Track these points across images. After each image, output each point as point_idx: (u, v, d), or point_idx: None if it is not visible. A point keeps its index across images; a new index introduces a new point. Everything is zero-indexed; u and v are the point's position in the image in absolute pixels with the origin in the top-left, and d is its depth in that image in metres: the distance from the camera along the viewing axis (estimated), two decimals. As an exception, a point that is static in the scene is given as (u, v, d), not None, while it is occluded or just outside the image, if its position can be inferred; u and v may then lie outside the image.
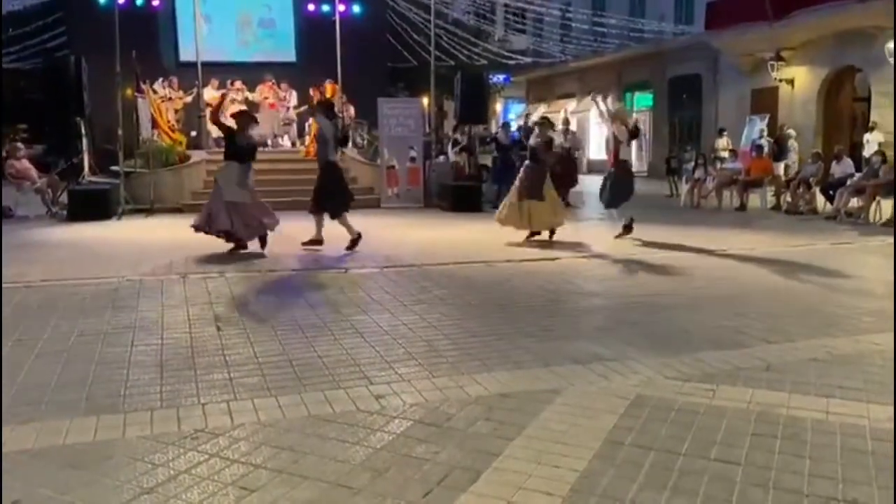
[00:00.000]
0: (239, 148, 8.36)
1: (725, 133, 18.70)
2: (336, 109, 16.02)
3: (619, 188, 9.71)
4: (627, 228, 9.70)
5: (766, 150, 15.78)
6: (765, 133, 17.98)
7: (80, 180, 13.50)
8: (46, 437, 3.27)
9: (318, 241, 8.76)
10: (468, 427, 3.40)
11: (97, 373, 4.19)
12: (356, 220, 9.03)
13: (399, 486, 2.83)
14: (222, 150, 15.82)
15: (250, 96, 16.97)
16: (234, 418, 3.50)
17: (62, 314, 5.60)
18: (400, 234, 10.52)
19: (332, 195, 8.65)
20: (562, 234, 9.61)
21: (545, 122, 10.26)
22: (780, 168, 15.76)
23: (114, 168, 13.93)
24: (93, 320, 5.41)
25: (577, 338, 4.95)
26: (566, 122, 16.22)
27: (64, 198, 12.87)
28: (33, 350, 4.61)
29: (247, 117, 8.83)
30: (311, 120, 16.10)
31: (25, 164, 13.17)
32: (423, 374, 4.17)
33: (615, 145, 9.73)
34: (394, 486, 2.84)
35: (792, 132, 17.42)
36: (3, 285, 6.43)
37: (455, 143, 16.46)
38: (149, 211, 12.80)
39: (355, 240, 8.66)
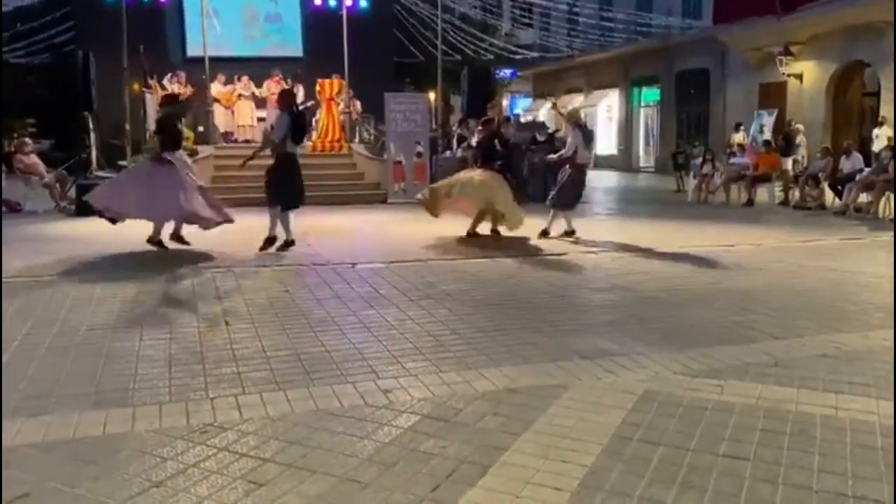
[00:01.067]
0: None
1: (742, 128, 18.59)
2: (344, 104, 16.11)
3: (575, 189, 9.42)
4: (570, 233, 9.38)
5: (772, 144, 15.71)
6: (765, 128, 17.89)
7: (87, 175, 13.55)
8: (56, 431, 3.29)
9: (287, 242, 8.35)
10: (476, 422, 3.40)
11: (106, 367, 4.21)
12: (363, 215, 9.03)
13: (407, 481, 2.84)
14: (230, 144, 16.00)
15: (257, 92, 17.00)
16: (243, 412, 3.51)
17: (71, 309, 5.62)
18: (407, 230, 10.51)
19: (281, 189, 8.24)
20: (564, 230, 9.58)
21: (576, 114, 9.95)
22: (788, 163, 15.70)
23: (121, 163, 13.98)
24: (101, 315, 5.43)
25: (584, 333, 4.94)
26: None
27: (72, 192, 12.91)
28: (42, 344, 4.63)
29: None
30: (317, 114, 16.15)
31: (34, 158, 13.22)
32: (430, 368, 4.17)
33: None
34: (402, 480, 2.84)
35: (800, 127, 17.34)
36: (13, 280, 6.47)
37: (461, 138, 16.42)
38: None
39: (274, 240, 8.24)
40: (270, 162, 8.45)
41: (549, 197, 9.51)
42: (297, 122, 8.32)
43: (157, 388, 3.86)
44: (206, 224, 8.25)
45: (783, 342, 4.70)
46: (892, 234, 9.82)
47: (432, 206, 9.59)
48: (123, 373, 4.10)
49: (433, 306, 5.69)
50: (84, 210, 11.88)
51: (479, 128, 10.32)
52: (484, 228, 9.51)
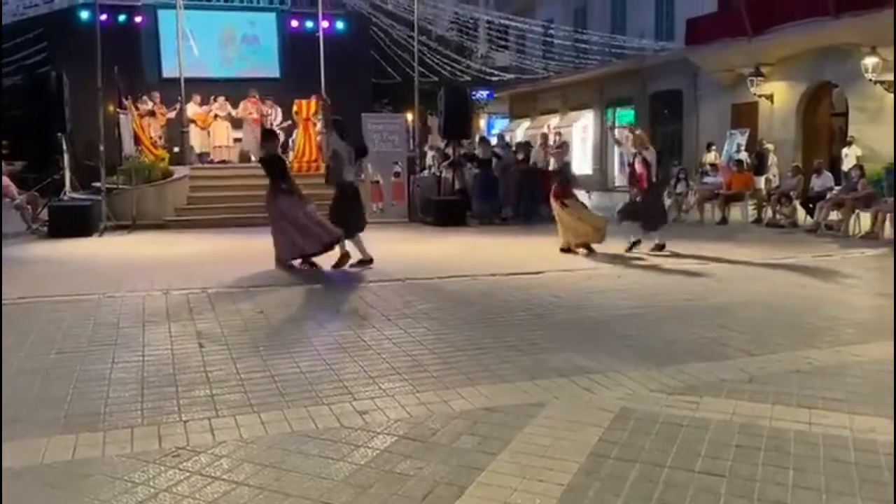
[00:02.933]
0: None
1: (714, 147, 18.89)
2: (322, 125, 16.11)
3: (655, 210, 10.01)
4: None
5: (745, 164, 15.97)
6: (741, 147, 18.19)
7: (60, 196, 13.38)
8: (24, 456, 3.22)
9: (366, 259, 8.62)
10: (452, 442, 3.38)
11: (77, 390, 4.13)
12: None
13: (383, 502, 2.81)
14: (206, 165, 15.90)
15: (234, 112, 16.95)
16: (216, 435, 3.46)
17: (41, 331, 5.52)
18: (384, 249, 10.47)
19: (345, 215, 8.53)
20: (543, 249, 9.64)
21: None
22: (761, 182, 15.93)
23: (95, 184, 13.82)
24: (72, 337, 5.35)
25: (561, 351, 4.95)
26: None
27: (44, 214, 12.74)
28: (11, 368, 4.54)
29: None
30: (320, 138, 16.13)
31: (6, 180, 13.03)
32: (407, 388, 4.15)
33: (645, 169, 9.84)
34: (378, 502, 2.81)
35: (770, 146, 17.64)
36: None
37: (445, 156, 16.48)
38: (131, 227, 12.70)
39: (363, 260, 8.56)
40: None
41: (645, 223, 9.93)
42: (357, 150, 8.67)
43: (128, 412, 3.79)
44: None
45: (757, 358, 4.75)
46: (861, 251, 9.99)
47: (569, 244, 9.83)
48: (94, 396, 4.03)
49: (411, 325, 5.67)
50: (57, 232, 11.76)
51: (558, 149, 10.92)
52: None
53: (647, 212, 9.94)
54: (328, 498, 2.84)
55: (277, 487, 2.92)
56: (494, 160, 15.13)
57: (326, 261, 8.43)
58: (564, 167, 10.16)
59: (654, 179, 10.01)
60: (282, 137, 16.24)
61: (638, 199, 10.07)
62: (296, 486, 2.93)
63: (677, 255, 9.46)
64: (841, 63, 17.13)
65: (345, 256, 8.44)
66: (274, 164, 8.63)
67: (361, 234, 8.71)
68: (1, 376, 4.26)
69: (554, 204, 9.91)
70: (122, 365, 4.63)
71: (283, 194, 8.45)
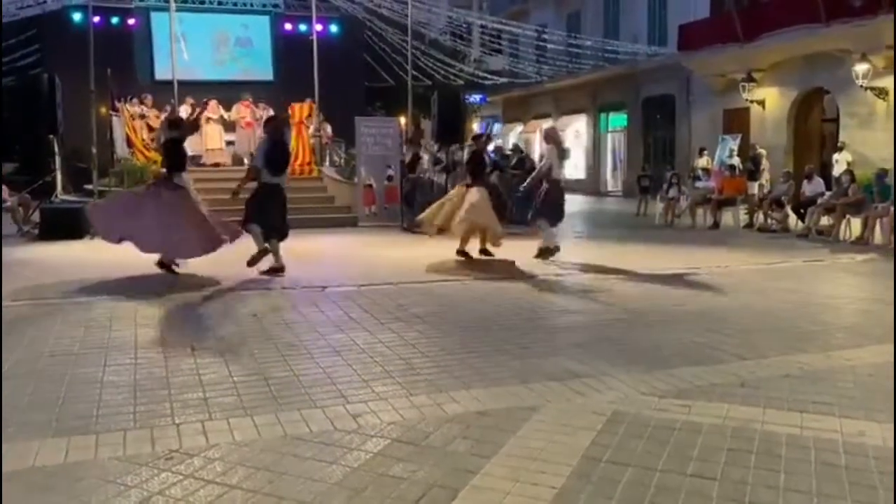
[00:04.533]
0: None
1: (706, 152, 18.98)
2: (314, 128, 16.13)
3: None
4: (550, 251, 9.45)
5: (737, 169, 16.06)
6: (734, 153, 18.28)
7: (52, 199, 13.34)
8: (15, 460, 3.20)
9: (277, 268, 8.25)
10: (446, 445, 3.39)
11: (68, 393, 4.12)
12: (334, 238, 9.00)
13: (376, 506, 2.81)
14: (198, 168, 15.86)
15: (226, 115, 16.94)
16: (209, 438, 3.46)
17: (32, 334, 5.50)
18: (377, 253, 10.51)
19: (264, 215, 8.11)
20: (534, 253, 9.63)
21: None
22: (755, 187, 16.01)
23: (87, 186, 13.79)
24: (64, 340, 5.33)
25: (553, 355, 4.97)
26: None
27: (36, 216, 12.69)
28: (2, 371, 4.52)
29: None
30: (313, 141, 16.12)
31: (-4, 182, 12.99)
32: (400, 392, 4.16)
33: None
34: (371, 505, 2.82)
35: (763, 151, 17.74)
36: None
37: (437, 160, 16.49)
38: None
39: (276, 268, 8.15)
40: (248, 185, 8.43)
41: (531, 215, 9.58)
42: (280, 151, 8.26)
43: (121, 415, 3.78)
44: (215, 247, 8.05)
45: (748, 362, 4.77)
46: (852, 256, 10.06)
47: (428, 226, 9.67)
48: (87, 399, 4.01)
49: (403, 329, 5.67)
50: (48, 234, 11.72)
51: (470, 143, 10.50)
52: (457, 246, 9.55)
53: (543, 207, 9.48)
54: (322, 501, 2.84)
55: (271, 490, 2.92)
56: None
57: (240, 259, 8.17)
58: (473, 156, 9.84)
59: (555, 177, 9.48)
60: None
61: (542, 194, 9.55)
62: (289, 489, 2.93)
63: (649, 258, 9.47)
64: (832, 69, 17.24)
65: (263, 252, 8.07)
66: (172, 154, 8.26)
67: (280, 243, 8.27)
68: (1, 376, 4.23)
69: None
70: (114, 368, 4.62)
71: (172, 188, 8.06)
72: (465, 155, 10.02)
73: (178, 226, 7.78)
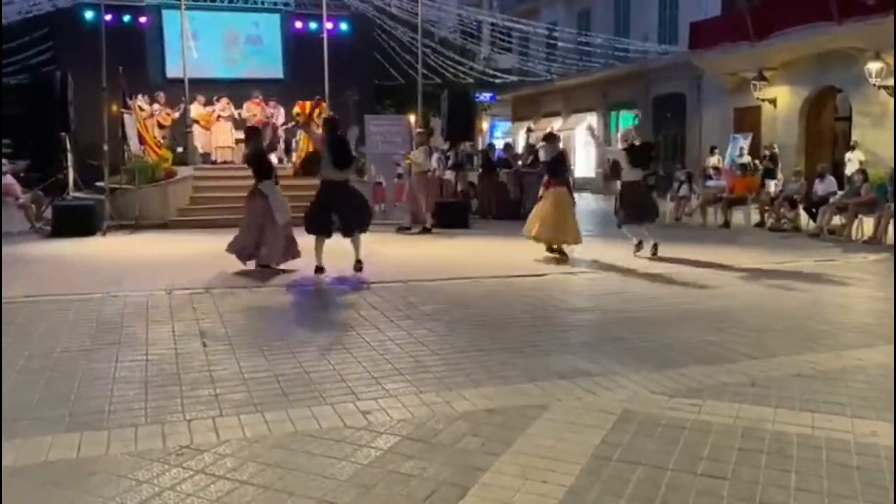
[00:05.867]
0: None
1: (717, 151, 18.91)
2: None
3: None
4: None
5: (748, 167, 15.96)
6: (745, 151, 18.18)
7: (64, 196, 13.41)
8: (28, 454, 3.23)
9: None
10: (455, 443, 3.39)
11: (80, 389, 4.14)
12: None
13: (386, 503, 2.82)
14: (208, 166, 15.93)
15: (236, 114, 16.98)
16: (220, 434, 3.48)
17: (45, 330, 5.54)
18: (386, 251, 10.51)
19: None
20: (546, 251, 9.63)
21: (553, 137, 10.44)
22: (772, 186, 15.89)
23: (99, 184, 13.86)
24: (76, 336, 5.36)
25: (563, 353, 4.96)
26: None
27: (48, 213, 12.77)
28: (15, 366, 4.56)
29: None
30: (297, 135, 16.14)
31: (9, 179, 13.07)
32: (410, 389, 4.16)
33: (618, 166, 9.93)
34: (380, 502, 2.82)
35: (776, 150, 17.65)
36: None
37: (447, 159, 16.50)
38: (134, 227, 12.72)
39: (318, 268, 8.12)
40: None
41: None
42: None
43: (132, 411, 3.81)
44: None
45: (759, 362, 4.75)
46: (864, 255, 9.99)
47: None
48: (99, 395, 4.04)
49: (413, 327, 5.68)
50: (61, 231, 11.79)
51: (543, 143, 10.56)
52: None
53: (629, 205, 9.82)
54: (332, 497, 2.85)
55: (281, 486, 2.93)
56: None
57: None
58: (550, 162, 9.94)
59: (625, 178, 9.81)
60: (283, 138, 16.36)
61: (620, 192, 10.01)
62: (299, 485, 2.95)
63: (661, 257, 9.46)
64: (844, 68, 17.12)
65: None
66: (258, 162, 8.46)
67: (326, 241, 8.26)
68: (1, 376, 4.27)
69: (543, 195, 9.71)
70: (126, 364, 4.65)
71: (260, 197, 8.32)
72: (545, 155, 10.14)
73: (263, 234, 8.20)
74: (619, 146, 10.16)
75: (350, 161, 8.52)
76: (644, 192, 10.10)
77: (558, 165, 9.81)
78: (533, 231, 9.56)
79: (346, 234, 8.26)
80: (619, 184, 10.05)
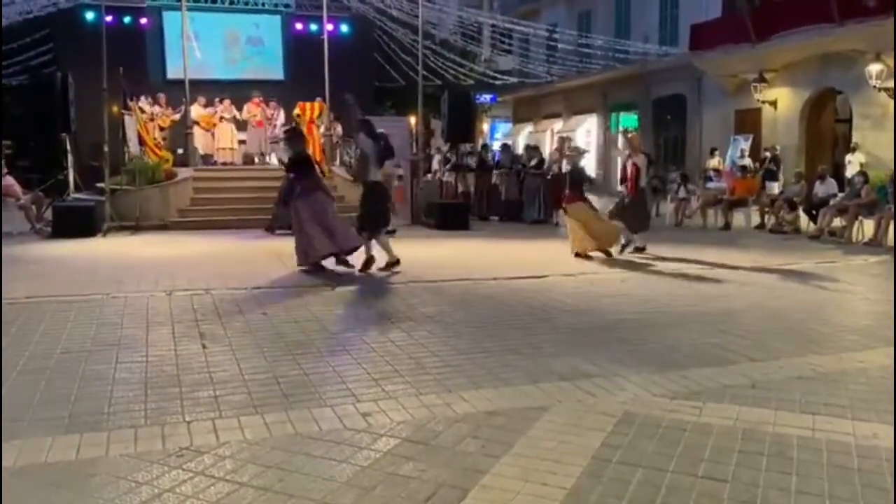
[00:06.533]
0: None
1: (717, 152, 18.92)
2: (325, 127, 16.16)
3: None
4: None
5: (748, 169, 15.97)
6: (745, 153, 18.18)
7: (64, 197, 13.41)
8: (28, 456, 3.23)
9: (392, 262, 8.48)
10: (455, 445, 3.39)
11: (80, 390, 4.14)
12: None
13: (386, 504, 2.81)
14: (209, 167, 15.92)
15: (238, 115, 16.98)
16: (220, 436, 3.47)
17: (45, 331, 5.54)
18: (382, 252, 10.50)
19: (369, 215, 8.45)
20: (547, 253, 9.63)
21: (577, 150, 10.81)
22: (775, 188, 15.87)
23: (99, 185, 13.86)
24: (76, 337, 5.36)
25: (564, 355, 4.95)
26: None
27: (48, 214, 12.77)
28: (15, 367, 4.55)
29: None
30: (323, 140, 16.15)
31: (10, 180, 13.07)
32: (410, 391, 4.16)
33: (635, 172, 10.05)
34: (381, 504, 2.82)
35: (778, 152, 17.63)
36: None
37: (446, 160, 16.51)
38: (134, 228, 12.72)
39: (390, 263, 8.43)
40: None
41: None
42: (381, 149, 8.46)
43: (132, 412, 3.80)
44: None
45: (760, 364, 4.75)
46: (864, 257, 9.98)
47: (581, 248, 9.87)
48: (98, 396, 4.04)
49: (413, 328, 5.67)
50: (61, 232, 11.80)
51: (566, 151, 10.91)
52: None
53: (632, 214, 10.10)
54: (331, 499, 2.84)
55: (281, 488, 2.93)
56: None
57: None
58: (573, 172, 10.16)
59: (642, 184, 10.12)
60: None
61: (626, 200, 10.21)
62: (299, 487, 2.94)
63: (662, 259, 9.48)
64: (845, 70, 17.11)
65: (370, 259, 8.37)
66: (304, 164, 8.67)
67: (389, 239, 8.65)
68: (1, 376, 4.27)
69: (564, 212, 10.02)
70: (125, 365, 4.64)
71: (310, 193, 8.46)
72: (566, 167, 10.42)
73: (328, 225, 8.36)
74: (627, 151, 10.25)
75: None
76: (645, 202, 10.25)
77: (578, 178, 10.07)
78: (582, 248, 9.76)
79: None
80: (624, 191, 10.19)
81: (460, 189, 15.68)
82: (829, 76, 17.92)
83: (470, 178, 16.36)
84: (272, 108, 17.14)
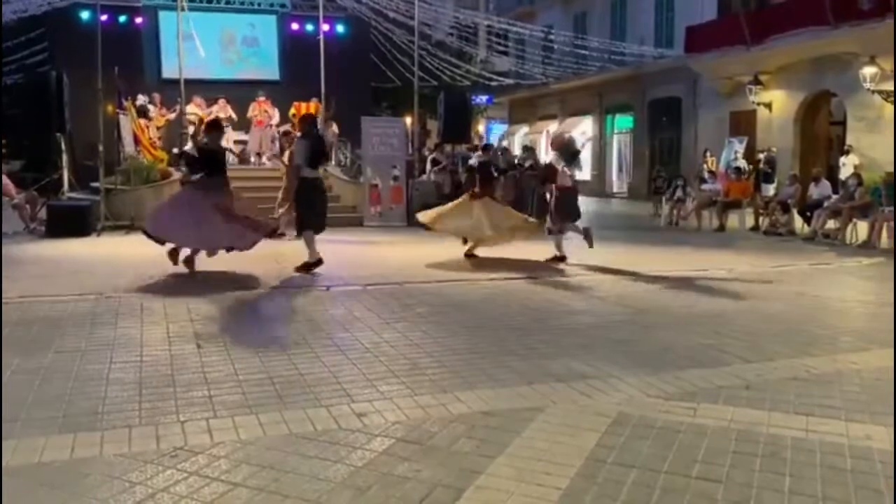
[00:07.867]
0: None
1: (709, 153, 18.97)
2: (319, 128, 16.12)
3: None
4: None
5: (743, 171, 16.01)
6: (740, 155, 18.22)
7: (59, 196, 13.37)
8: (21, 455, 3.21)
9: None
10: (450, 445, 3.39)
11: (75, 390, 4.13)
12: (339, 237, 9.00)
13: (381, 505, 2.81)
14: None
15: (234, 115, 16.96)
16: (214, 436, 3.47)
17: (39, 331, 5.52)
18: (382, 252, 10.51)
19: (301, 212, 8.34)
20: (541, 254, 9.62)
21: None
22: (770, 190, 15.91)
23: (94, 184, 13.82)
24: (70, 337, 5.34)
25: (559, 356, 4.96)
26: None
27: (42, 214, 12.73)
28: (9, 367, 4.53)
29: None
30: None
31: (4, 179, 13.02)
32: (405, 391, 4.16)
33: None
34: (375, 504, 2.82)
35: (773, 154, 17.69)
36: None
37: (435, 162, 16.49)
38: (128, 228, 12.68)
39: (308, 263, 8.23)
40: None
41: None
42: (315, 147, 8.36)
43: (126, 412, 3.79)
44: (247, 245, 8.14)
45: (754, 365, 4.76)
46: (858, 259, 10.02)
47: (433, 223, 9.87)
48: (92, 396, 4.03)
49: (409, 329, 5.67)
50: (55, 231, 11.76)
51: (479, 153, 10.82)
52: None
53: (563, 210, 9.58)
54: (326, 500, 2.84)
55: (275, 489, 2.92)
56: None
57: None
58: (483, 164, 10.05)
59: (568, 183, 9.65)
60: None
61: (555, 196, 9.63)
62: (294, 487, 2.94)
63: (654, 260, 9.47)
64: (840, 72, 17.16)
65: (319, 261, 8.23)
66: (213, 160, 8.28)
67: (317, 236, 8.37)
68: (1, 376, 4.26)
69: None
70: (120, 365, 4.63)
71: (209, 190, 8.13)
72: (474, 162, 10.31)
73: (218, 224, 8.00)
74: (553, 151, 10.11)
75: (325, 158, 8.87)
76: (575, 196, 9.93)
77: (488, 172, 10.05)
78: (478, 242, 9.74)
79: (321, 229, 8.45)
80: (555, 189, 9.58)
81: (446, 191, 15.57)
82: (824, 79, 17.98)
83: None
84: (270, 109, 17.14)
